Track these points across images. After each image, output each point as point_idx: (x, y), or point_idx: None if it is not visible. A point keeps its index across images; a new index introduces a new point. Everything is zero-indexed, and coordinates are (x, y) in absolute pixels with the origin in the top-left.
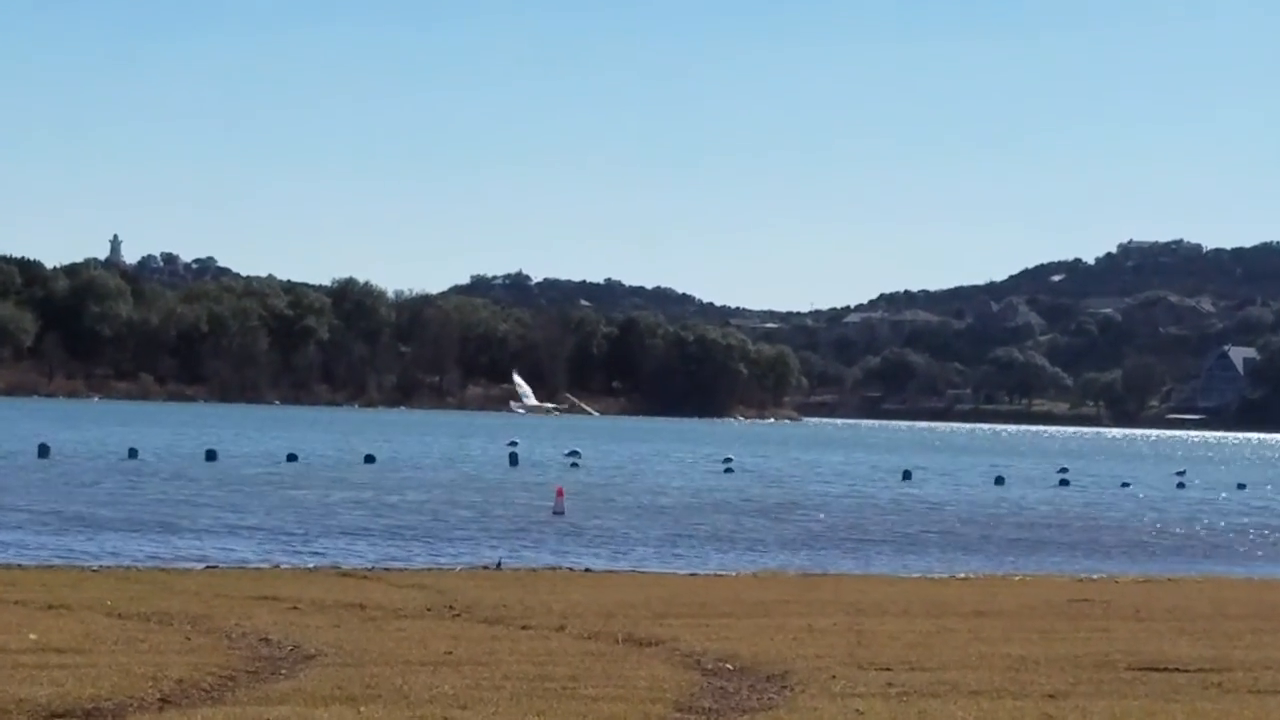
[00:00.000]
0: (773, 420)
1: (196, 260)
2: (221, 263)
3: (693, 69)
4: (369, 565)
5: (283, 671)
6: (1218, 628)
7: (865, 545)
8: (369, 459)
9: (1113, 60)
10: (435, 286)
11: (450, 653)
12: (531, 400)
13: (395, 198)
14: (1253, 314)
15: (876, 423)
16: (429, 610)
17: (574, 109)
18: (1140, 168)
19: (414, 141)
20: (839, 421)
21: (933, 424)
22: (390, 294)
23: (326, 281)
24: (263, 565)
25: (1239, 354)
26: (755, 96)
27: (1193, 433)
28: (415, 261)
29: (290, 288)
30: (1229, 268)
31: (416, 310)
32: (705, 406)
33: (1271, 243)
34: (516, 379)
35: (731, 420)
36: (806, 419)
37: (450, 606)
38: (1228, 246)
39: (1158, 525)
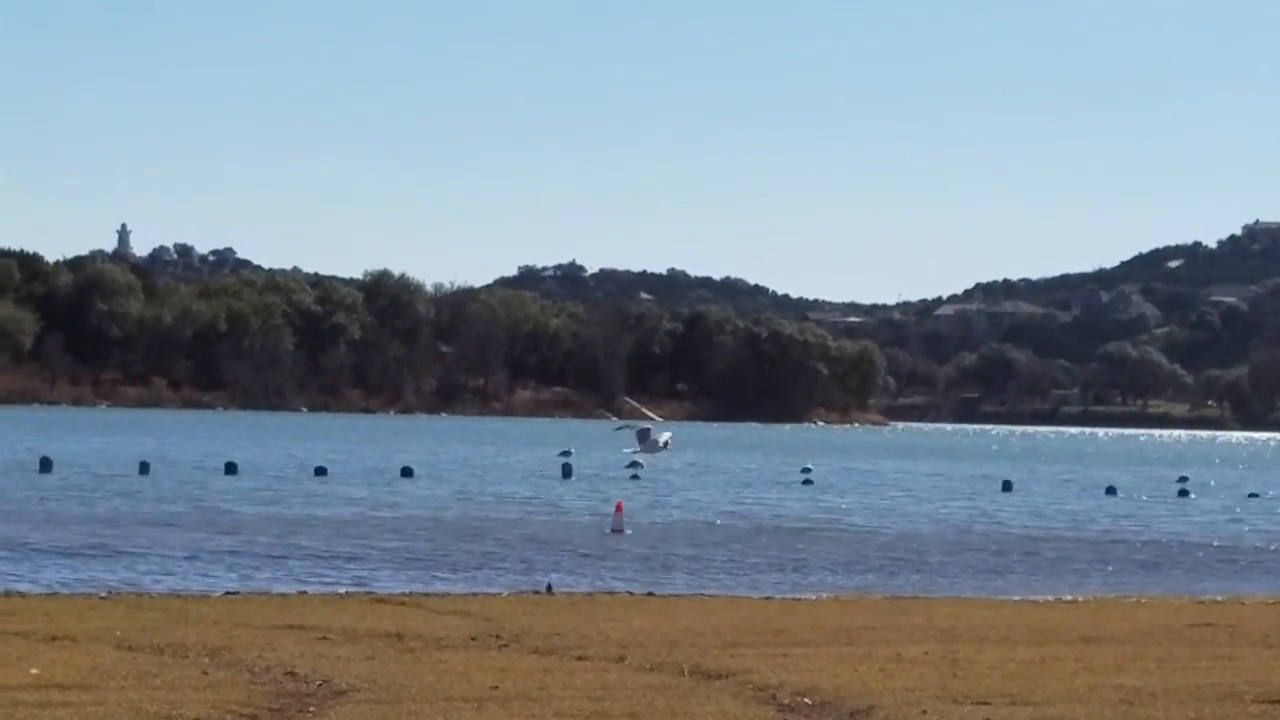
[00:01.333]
0: (856, 425)
1: (214, 252)
2: (241, 254)
3: (765, 35)
4: (406, 590)
5: (311, 709)
6: None
7: (960, 565)
8: (406, 472)
9: (1234, 15)
10: (479, 279)
11: (497, 687)
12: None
13: (434, 181)
14: None
15: (973, 427)
16: (473, 640)
17: (632, 80)
18: (1267, 138)
19: (454, 120)
20: (930, 426)
21: (1036, 428)
22: (429, 288)
23: (358, 274)
24: (288, 591)
25: None
26: (833, 64)
27: None
28: (457, 252)
29: (318, 281)
30: None
31: (458, 306)
32: (780, 410)
33: None
34: (630, 402)
35: (810, 425)
36: (894, 423)
37: (497, 635)
38: None
39: None
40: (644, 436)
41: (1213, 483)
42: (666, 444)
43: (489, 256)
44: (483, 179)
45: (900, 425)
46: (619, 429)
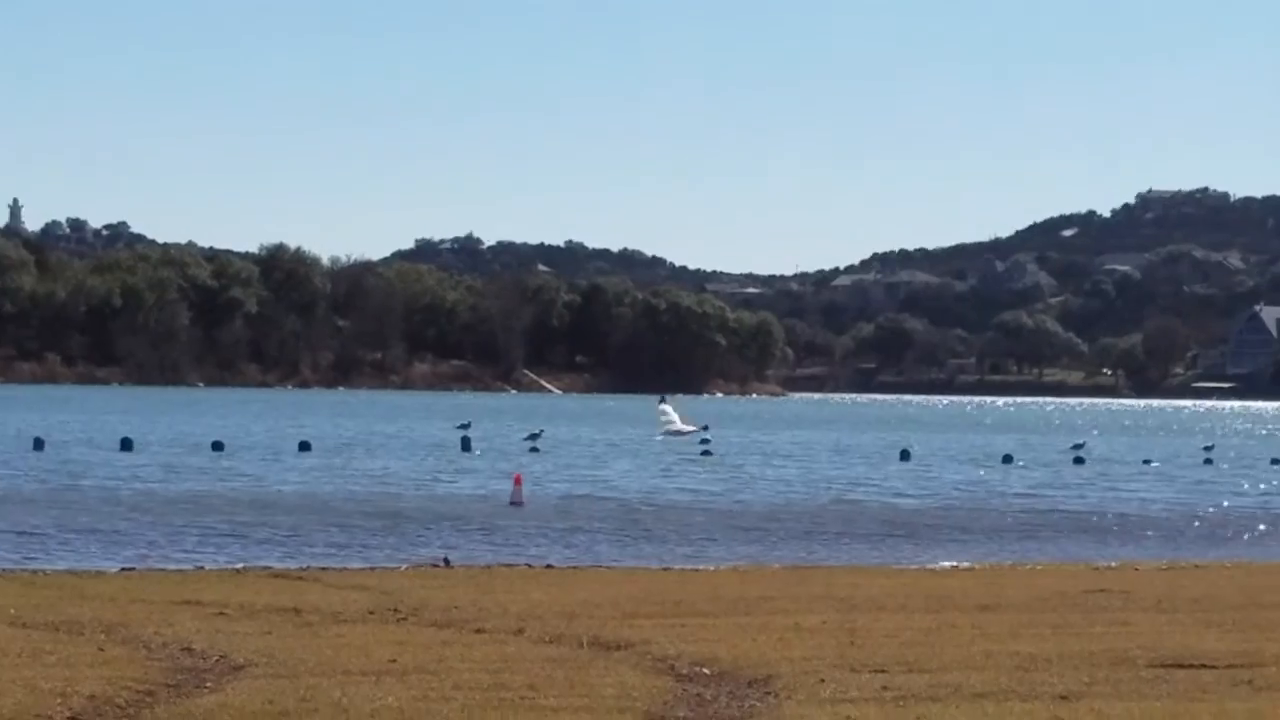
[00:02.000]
0: (754, 396)
1: (107, 226)
2: (135, 229)
3: (657, 6)
4: (304, 565)
5: (208, 684)
6: (1249, 619)
7: (859, 534)
8: (304, 446)
9: None
10: (376, 252)
11: (395, 661)
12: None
13: (329, 154)
14: None
15: (870, 397)
16: (371, 614)
17: (527, 52)
18: (1160, 109)
19: (349, 91)
20: (829, 396)
21: (933, 397)
22: (325, 261)
23: (254, 248)
24: (185, 567)
25: (1272, 314)
26: (726, 36)
27: (1222, 403)
28: (353, 225)
29: (213, 256)
30: (1259, 218)
31: (355, 279)
32: (679, 382)
33: None
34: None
35: (708, 397)
36: (792, 394)
37: (395, 609)
38: (1258, 195)
39: (1183, 506)
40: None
41: (1107, 450)
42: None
43: (385, 230)
44: (379, 152)
45: (798, 395)
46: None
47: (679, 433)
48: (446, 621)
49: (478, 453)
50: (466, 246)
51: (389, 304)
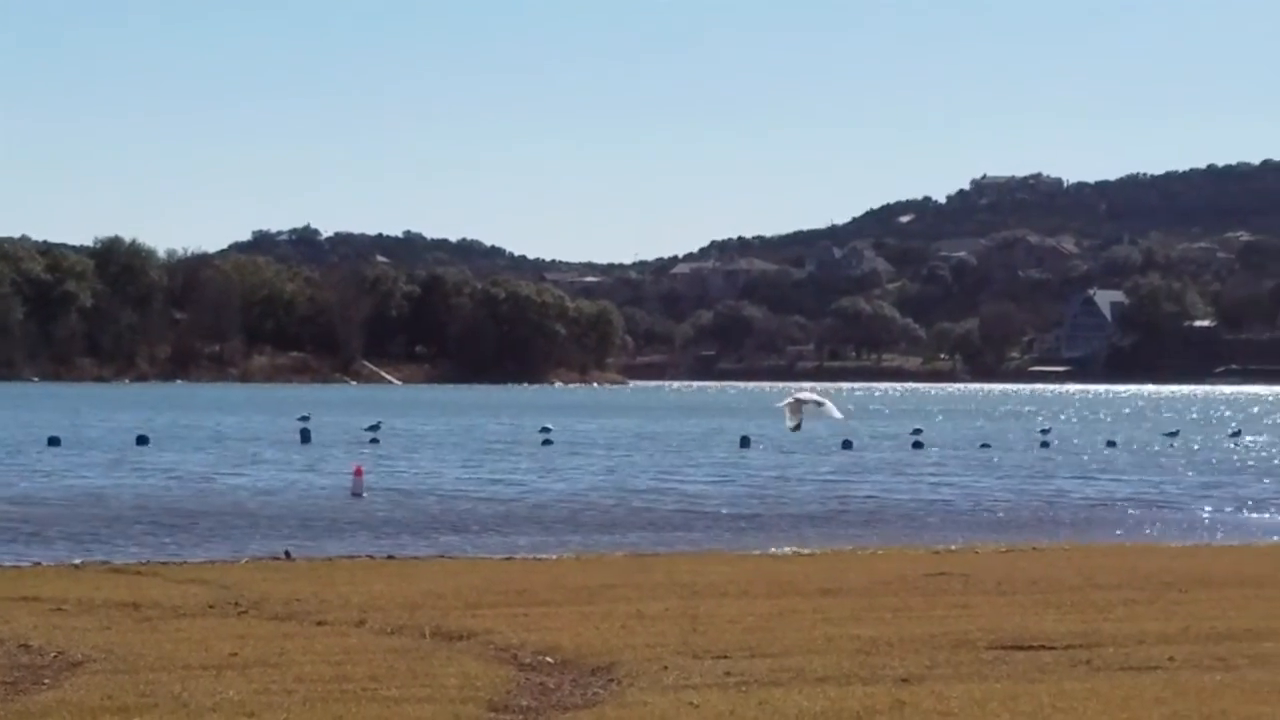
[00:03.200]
0: (595, 384)
1: None
2: None
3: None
4: (143, 560)
5: (45, 681)
6: (1086, 600)
7: (700, 521)
8: (142, 440)
9: None
10: (212, 245)
11: (235, 654)
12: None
13: (164, 145)
14: (1119, 254)
15: (711, 384)
16: (211, 607)
17: (361, 40)
18: (994, 96)
19: (183, 81)
20: (669, 384)
21: (773, 384)
22: (161, 254)
23: (88, 241)
24: (21, 564)
25: (1106, 298)
26: (561, 23)
27: (1058, 386)
28: (189, 217)
29: (46, 249)
30: (1092, 204)
31: (191, 272)
32: (520, 371)
33: (1138, 175)
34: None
35: (549, 386)
36: (633, 382)
37: (235, 603)
38: (1090, 180)
39: (1021, 489)
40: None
41: (945, 434)
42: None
43: (222, 221)
44: (214, 142)
45: (639, 383)
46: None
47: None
48: (288, 614)
49: (318, 444)
50: (304, 238)
51: (226, 296)
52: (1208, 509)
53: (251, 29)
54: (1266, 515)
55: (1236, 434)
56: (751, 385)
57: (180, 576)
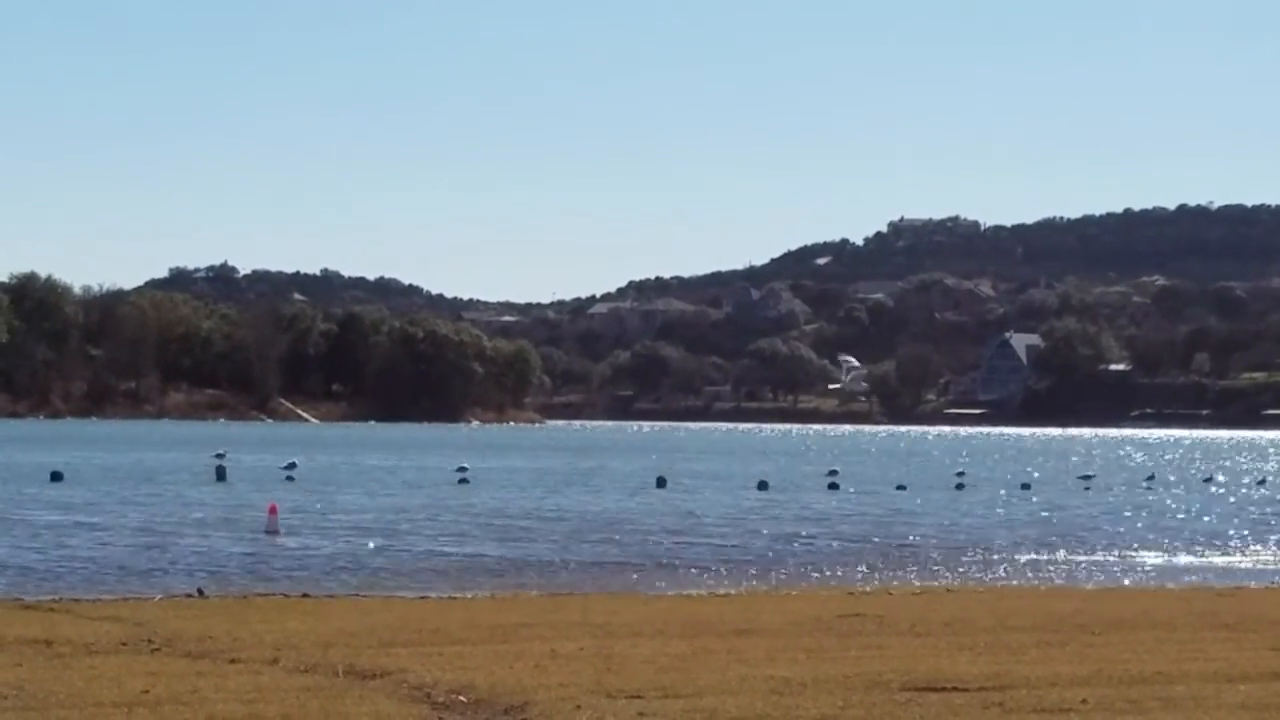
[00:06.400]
0: (512, 424)
1: None
2: None
3: (404, 31)
4: (55, 596)
5: None
6: (1000, 641)
7: (616, 562)
8: (55, 477)
9: (874, 22)
10: (129, 281)
11: (147, 692)
12: None
13: (81, 180)
14: (1035, 297)
15: (628, 424)
16: (124, 645)
17: (278, 79)
18: (911, 138)
19: (100, 117)
20: (586, 424)
21: (690, 424)
22: (77, 290)
23: (3, 277)
24: None
25: (1021, 341)
26: (475, 62)
27: (973, 428)
28: (105, 253)
29: None
30: (1009, 247)
31: (107, 308)
32: (437, 410)
33: (1054, 219)
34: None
35: (466, 425)
36: (550, 421)
37: (149, 640)
38: (1007, 224)
39: (937, 531)
40: None
41: (861, 476)
42: None
43: (139, 258)
44: (131, 179)
45: (556, 423)
46: None
47: None
48: (200, 652)
49: (233, 482)
50: (221, 275)
51: (142, 333)
52: (1122, 552)
53: (169, 65)
54: (1180, 558)
55: (1150, 478)
56: (669, 425)
57: (93, 613)
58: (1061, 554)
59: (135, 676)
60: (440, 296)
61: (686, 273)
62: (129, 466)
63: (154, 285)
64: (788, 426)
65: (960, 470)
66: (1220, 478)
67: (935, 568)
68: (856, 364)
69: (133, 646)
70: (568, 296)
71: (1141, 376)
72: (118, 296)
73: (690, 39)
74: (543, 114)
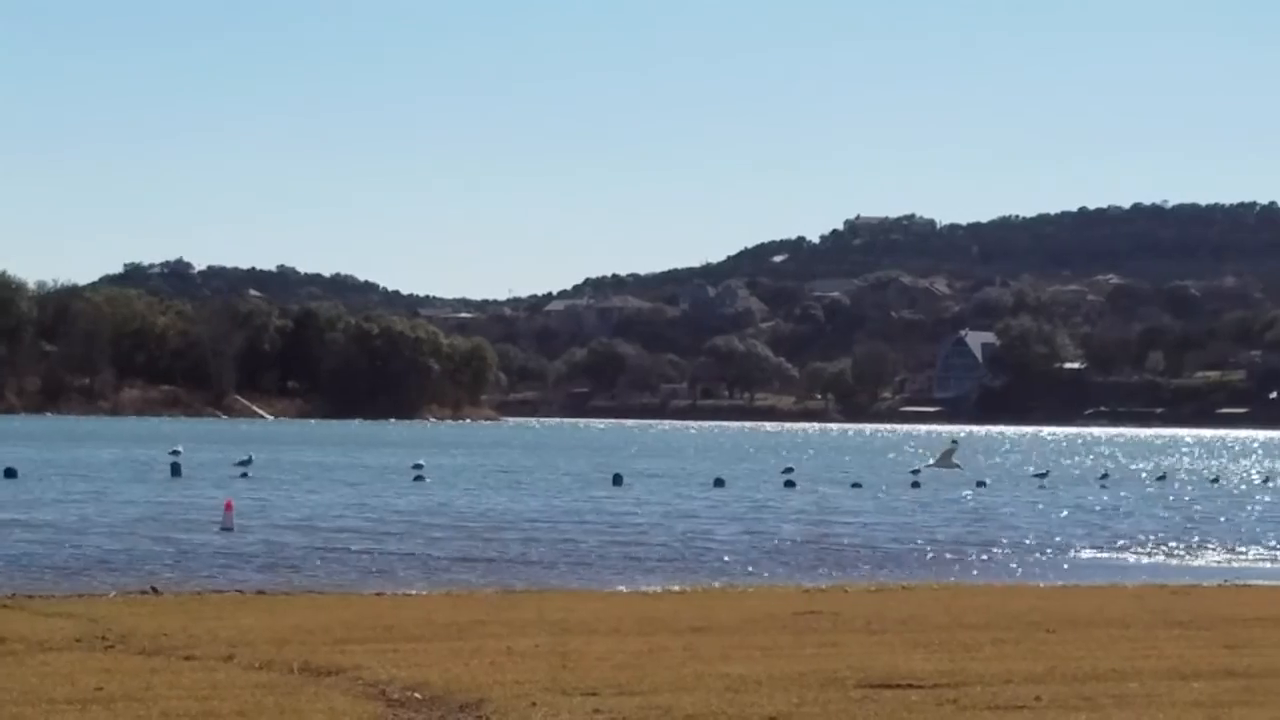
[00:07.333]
0: (469, 421)
1: None
2: None
3: (362, 30)
4: (8, 593)
5: None
6: (954, 639)
7: (572, 559)
8: (9, 473)
9: (831, 22)
10: (83, 277)
11: (101, 689)
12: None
13: (36, 177)
14: (991, 295)
15: (584, 421)
16: (78, 641)
17: (233, 74)
18: (867, 137)
19: (54, 112)
20: (543, 421)
21: (646, 422)
22: (31, 286)
23: None
24: None
25: (977, 339)
26: (431, 59)
27: (929, 426)
28: (60, 249)
29: None
30: (965, 245)
31: (62, 304)
32: (393, 407)
33: (1010, 218)
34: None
35: (422, 422)
36: (507, 419)
37: (103, 637)
38: (963, 222)
39: (891, 529)
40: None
41: (816, 473)
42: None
43: (93, 254)
44: (86, 174)
45: (513, 420)
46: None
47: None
48: (155, 649)
49: (188, 478)
50: (176, 271)
51: (97, 329)
52: (1077, 550)
53: (125, 60)
54: (1133, 557)
55: (1104, 476)
56: (625, 423)
57: (46, 610)
58: (1016, 551)
59: (89, 674)
60: (396, 293)
61: (643, 270)
62: (83, 463)
63: (109, 281)
64: (744, 424)
65: (916, 468)
66: (1174, 476)
67: (890, 565)
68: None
69: (86, 643)
70: (524, 294)
71: (1096, 375)
72: (72, 292)
73: (647, 39)
74: (499, 112)
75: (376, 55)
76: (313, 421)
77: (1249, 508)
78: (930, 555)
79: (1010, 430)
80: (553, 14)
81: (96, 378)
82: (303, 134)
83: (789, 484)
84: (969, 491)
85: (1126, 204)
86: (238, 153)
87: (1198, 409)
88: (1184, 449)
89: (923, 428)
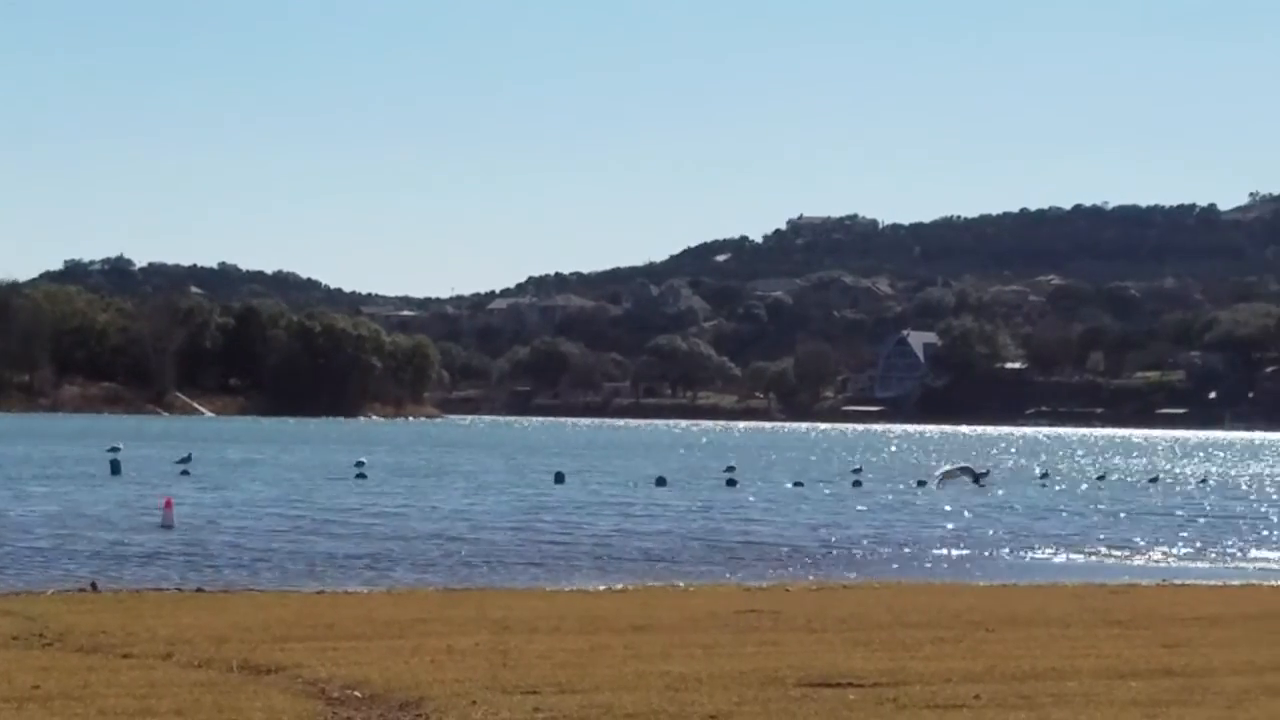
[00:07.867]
0: (411, 419)
1: None
2: None
3: (299, 28)
4: None
5: None
6: (895, 638)
7: (512, 558)
8: None
9: (774, 22)
10: (23, 274)
11: (38, 687)
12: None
13: None
14: (933, 295)
15: (526, 420)
16: (15, 639)
17: (175, 69)
18: (810, 136)
19: None
20: (485, 419)
21: (589, 420)
22: None
23: None
24: None
25: (919, 339)
26: (369, 57)
27: (871, 426)
28: None
29: None
30: (907, 245)
31: (1, 300)
32: (335, 405)
33: (952, 218)
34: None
35: (364, 420)
36: (449, 416)
37: (40, 635)
38: (905, 223)
39: (833, 527)
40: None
41: (757, 473)
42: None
43: (33, 250)
44: (25, 170)
45: (455, 418)
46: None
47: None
48: (93, 647)
49: (128, 476)
50: (117, 267)
51: (37, 326)
52: (1014, 550)
53: (66, 55)
54: (1072, 556)
55: (1044, 476)
56: (568, 421)
57: None
58: (957, 550)
59: (26, 672)
60: (339, 291)
61: (586, 269)
62: (21, 459)
63: (48, 278)
64: (686, 423)
65: (858, 467)
66: (1113, 476)
67: (831, 564)
68: None
69: (24, 641)
70: (467, 291)
71: (1037, 375)
72: (11, 289)
73: (591, 39)
74: (442, 110)
75: (319, 53)
76: (254, 419)
77: (1187, 507)
78: (871, 554)
79: (950, 429)
80: (491, 15)
81: (36, 375)
82: (244, 131)
83: (731, 482)
84: (910, 490)
85: (1068, 205)
86: (179, 149)
87: (1137, 409)
88: (1122, 449)
89: (862, 426)
